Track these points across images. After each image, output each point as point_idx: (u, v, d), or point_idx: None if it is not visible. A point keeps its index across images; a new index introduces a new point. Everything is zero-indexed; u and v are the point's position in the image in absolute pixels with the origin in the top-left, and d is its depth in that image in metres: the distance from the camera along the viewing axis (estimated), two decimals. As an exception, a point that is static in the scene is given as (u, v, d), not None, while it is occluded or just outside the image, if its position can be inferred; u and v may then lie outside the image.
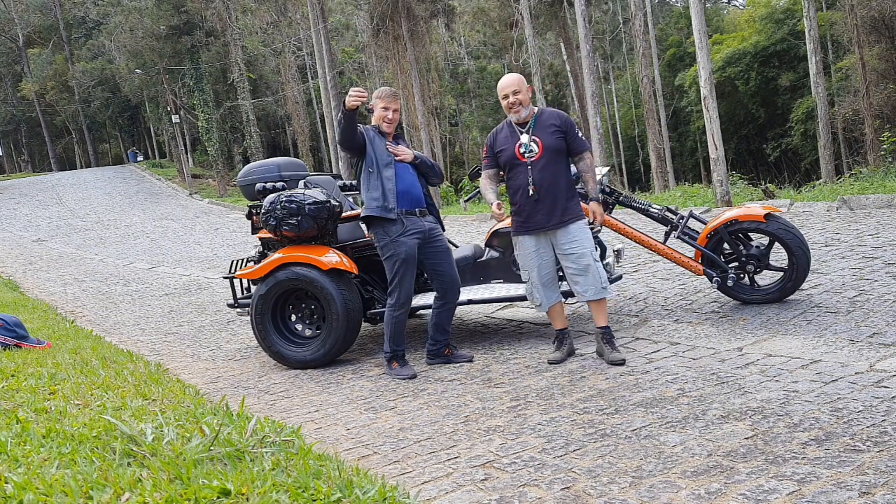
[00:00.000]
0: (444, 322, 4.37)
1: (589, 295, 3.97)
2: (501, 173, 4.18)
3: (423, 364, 4.39)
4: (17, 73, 45.78)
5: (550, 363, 4.01)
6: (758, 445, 2.53)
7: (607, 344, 3.95)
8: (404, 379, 4.08)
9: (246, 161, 27.38)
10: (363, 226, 4.63)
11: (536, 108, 4.08)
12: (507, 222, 4.98)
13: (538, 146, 3.96)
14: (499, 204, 3.96)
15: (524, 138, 3.98)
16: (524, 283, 4.21)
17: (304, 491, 1.85)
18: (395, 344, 4.22)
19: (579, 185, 4.51)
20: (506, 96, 4.02)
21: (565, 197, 3.97)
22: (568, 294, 4.35)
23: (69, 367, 3.68)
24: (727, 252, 4.71)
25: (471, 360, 4.31)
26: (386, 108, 4.28)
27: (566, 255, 3.97)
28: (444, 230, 4.44)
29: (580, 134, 4.05)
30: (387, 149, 4.20)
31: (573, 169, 4.17)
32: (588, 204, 4.06)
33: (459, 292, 4.40)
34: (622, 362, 3.82)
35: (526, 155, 3.98)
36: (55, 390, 3.04)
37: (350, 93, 3.87)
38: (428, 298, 4.71)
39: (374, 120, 4.32)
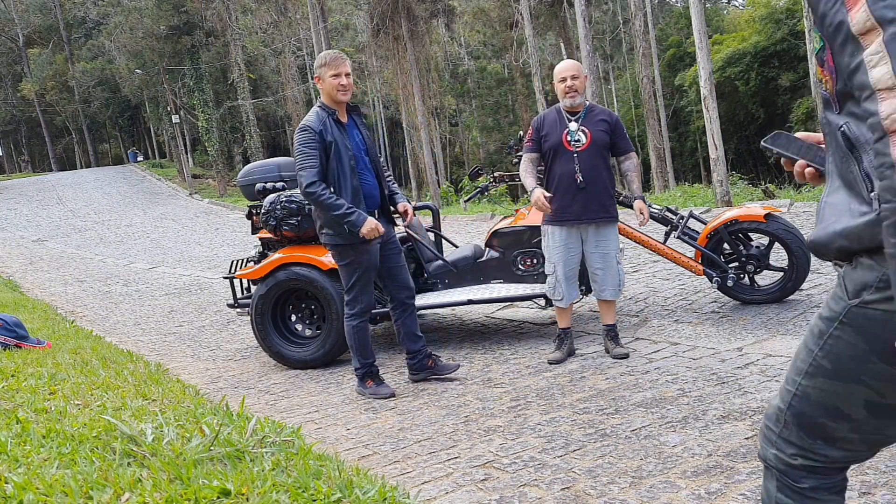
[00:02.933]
0: (412, 327, 3.94)
1: (606, 294, 4.04)
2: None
3: (406, 382, 4.02)
4: (17, 73, 45.74)
5: (550, 363, 4.01)
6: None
7: (612, 340, 4.07)
8: (384, 398, 3.75)
9: (246, 161, 27.33)
10: None
11: (588, 102, 4.09)
12: (507, 222, 4.98)
13: (586, 137, 3.95)
14: (548, 197, 3.85)
15: (573, 126, 3.97)
16: (548, 275, 4.09)
17: (304, 491, 1.86)
18: (363, 357, 3.84)
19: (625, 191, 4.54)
20: (563, 79, 3.98)
21: (606, 194, 3.97)
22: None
23: (69, 367, 3.68)
24: (727, 252, 4.71)
25: (458, 368, 3.98)
26: (337, 75, 3.61)
27: (594, 251, 4.00)
28: (395, 225, 4.08)
29: (627, 136, 4.11)
30: (347, 145, 3.67)
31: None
32: (633, 203, 4.08)
33: (414, 296, 4.00)
34: (626, 356, 3.95)
35: (573, 143, 3.96)
36: (55, 390, 3.04)
37: (371, 229, 3.53)
38: (426, 299, 4.70)
39: (326, 92, 3.66)
